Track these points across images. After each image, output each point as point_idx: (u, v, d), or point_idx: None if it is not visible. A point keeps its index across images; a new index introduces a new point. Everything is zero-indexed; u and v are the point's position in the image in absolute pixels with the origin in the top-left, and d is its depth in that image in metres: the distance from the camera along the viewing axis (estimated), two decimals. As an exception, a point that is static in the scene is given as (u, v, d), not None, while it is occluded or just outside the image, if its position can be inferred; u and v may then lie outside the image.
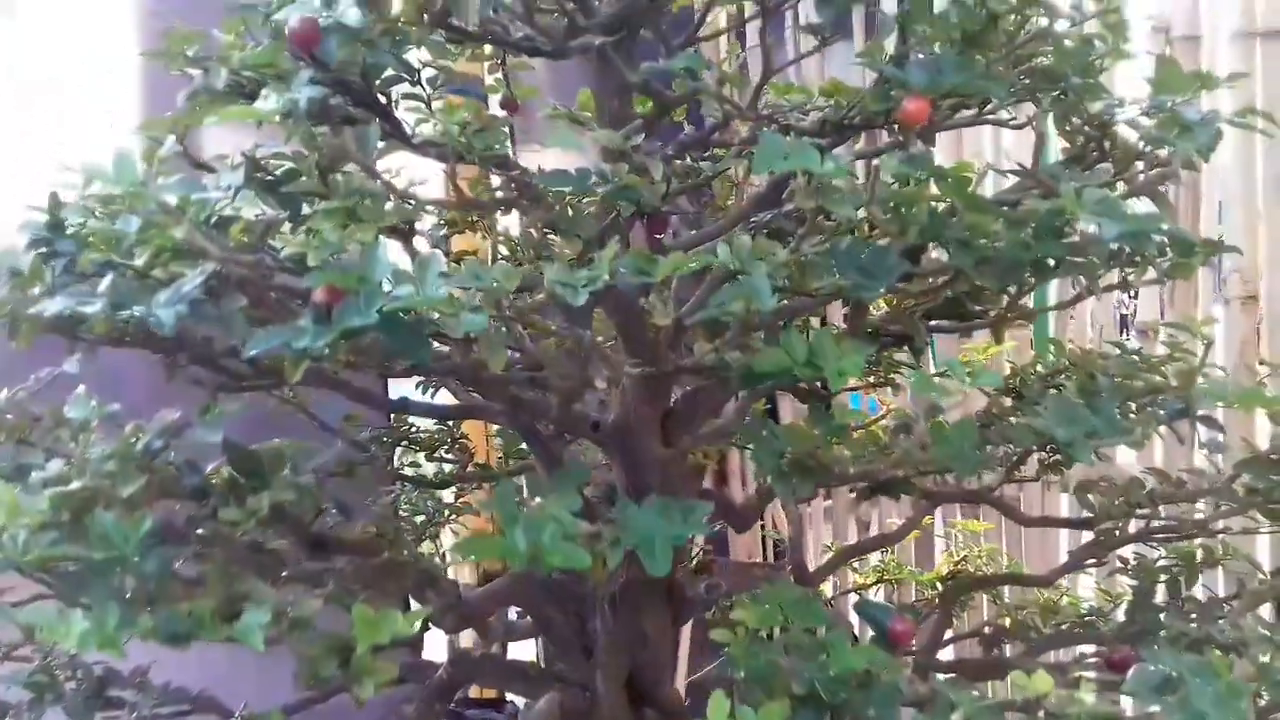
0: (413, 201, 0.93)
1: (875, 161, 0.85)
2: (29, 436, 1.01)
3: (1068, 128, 1.06)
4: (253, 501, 0.86)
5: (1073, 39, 0.99)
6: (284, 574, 0.91)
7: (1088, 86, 0.99)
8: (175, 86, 1.03)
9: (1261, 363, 1.58)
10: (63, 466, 0.91)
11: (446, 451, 1.53)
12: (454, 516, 1.61)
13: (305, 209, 0.98)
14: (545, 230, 1.04)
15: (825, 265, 0.89)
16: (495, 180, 1.03)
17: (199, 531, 0.89)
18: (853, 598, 2.15)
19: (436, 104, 1.02)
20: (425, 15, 0.87)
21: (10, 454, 0.97)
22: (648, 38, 1.00)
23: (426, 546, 1.58)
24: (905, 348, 1.06)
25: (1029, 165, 0.95)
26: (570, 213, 0.95)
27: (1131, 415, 0.94)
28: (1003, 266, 0.86)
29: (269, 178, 0.99)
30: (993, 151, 2.28)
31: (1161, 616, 1.04)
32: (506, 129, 1.01)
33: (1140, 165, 1.02)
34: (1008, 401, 1.24)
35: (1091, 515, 1.10)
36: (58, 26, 1.78)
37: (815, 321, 1.26)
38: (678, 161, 1.03)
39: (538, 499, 0.84)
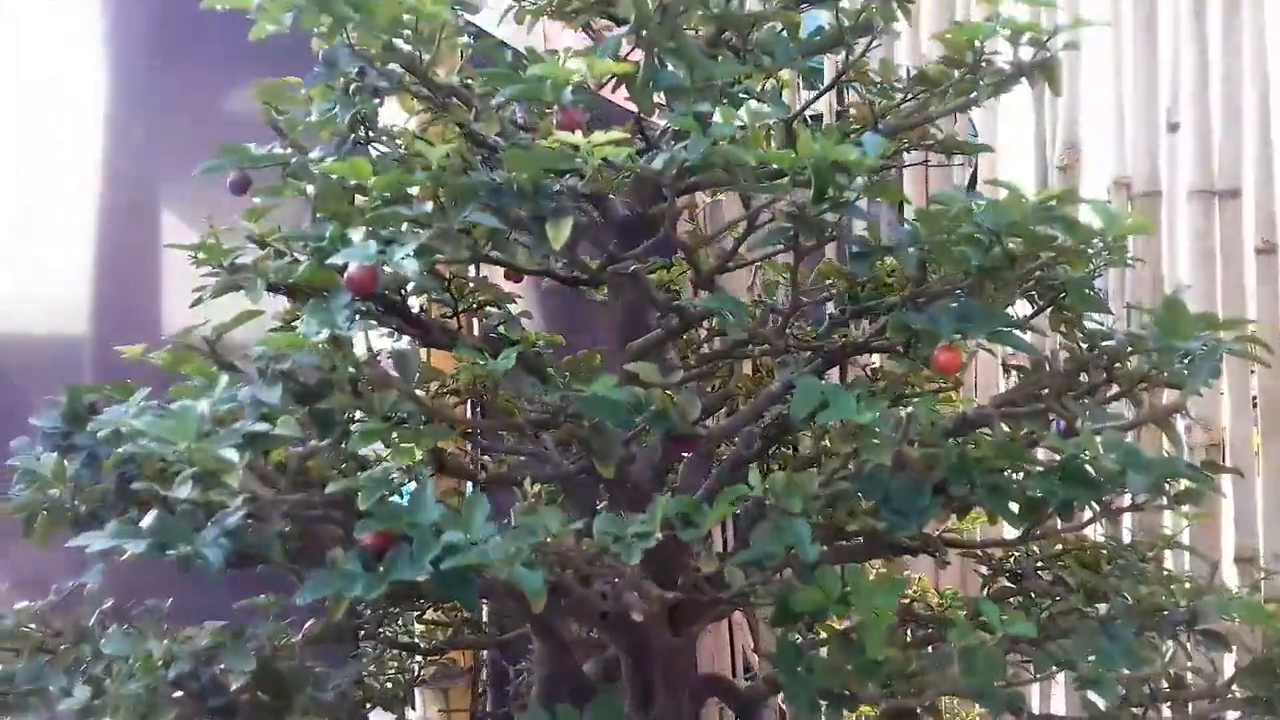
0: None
1: (907, 410, 0.88)
2: (50, 646, 0.99)
3: (1062, 331, 1.12)
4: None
5: (1075, 263, 1.03)
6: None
7: (1087, 299, 1.04)
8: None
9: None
10: (89, 697, 0.89)
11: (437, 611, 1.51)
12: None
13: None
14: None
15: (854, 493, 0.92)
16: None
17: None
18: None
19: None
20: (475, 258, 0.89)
21: (31, 672, 0.95)
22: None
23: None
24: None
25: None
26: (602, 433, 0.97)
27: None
28: (1028, 506, 0.89)
29: (301, 387, 1.00)
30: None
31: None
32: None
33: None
34: (1006, 582, 1.28)
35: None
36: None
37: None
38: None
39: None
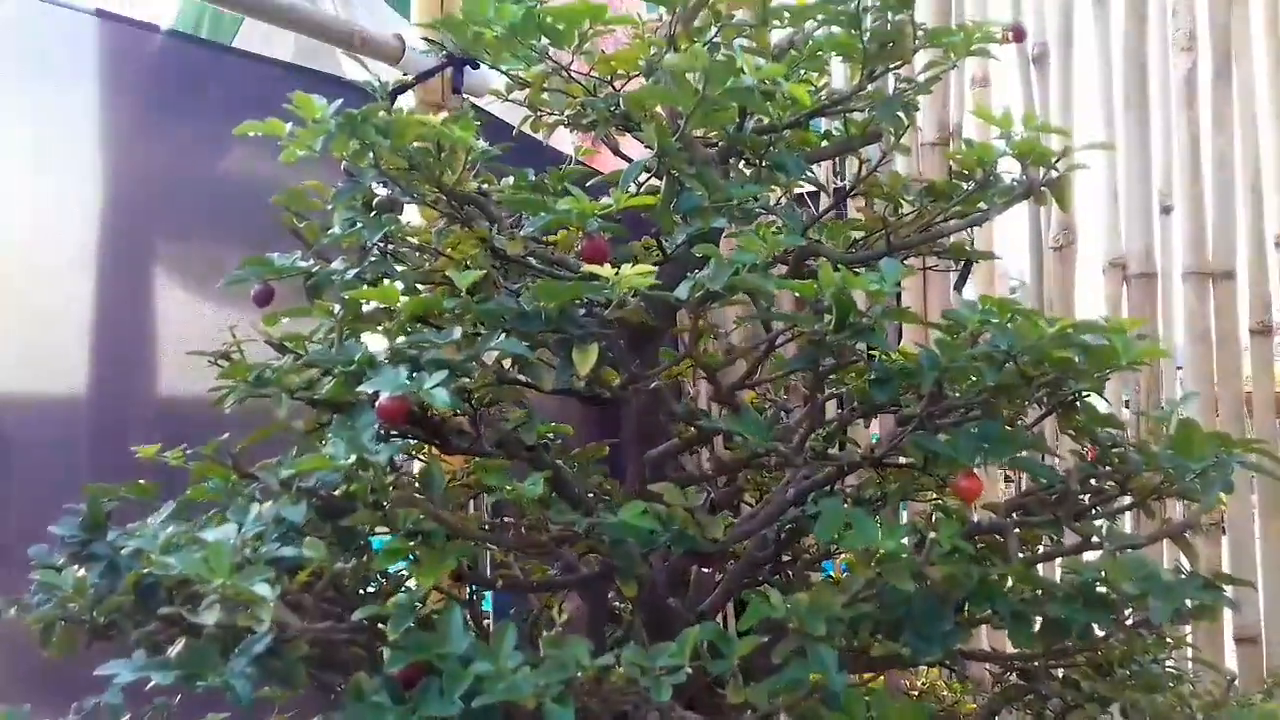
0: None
1: (931, 536, 0.90)
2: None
3: (1072, 434, 1.14)
4: None
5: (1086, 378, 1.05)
6: None
7: (1099, 417, 1.06)
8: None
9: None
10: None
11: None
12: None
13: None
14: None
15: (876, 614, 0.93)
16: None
17: None
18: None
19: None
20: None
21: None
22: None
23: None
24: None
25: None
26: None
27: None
28: (1048, 626, 0.90)
29: (324, 502, 1.01)
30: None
31: None
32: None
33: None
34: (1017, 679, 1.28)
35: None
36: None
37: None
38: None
39: None
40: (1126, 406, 2.11)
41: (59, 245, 1.78)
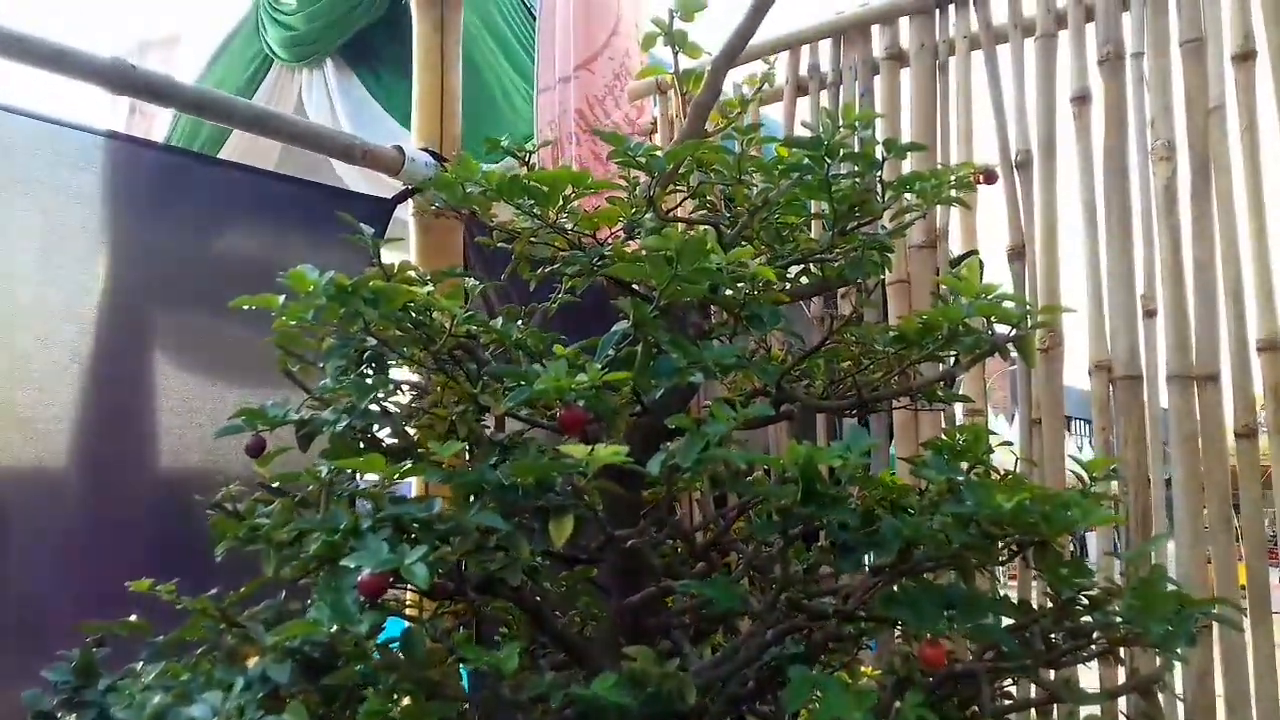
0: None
1: (896, 705, 0.92)
2: None
3: (1040, 571, 1.16)
4: None
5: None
6: None
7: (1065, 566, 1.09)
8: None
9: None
10: None
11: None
12: None
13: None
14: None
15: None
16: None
17: None
18: None
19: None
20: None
21: None
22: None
23: None
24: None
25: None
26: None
27: None
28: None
29: (307, 659, 1.04)
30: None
31: None
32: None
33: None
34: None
35: None
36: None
37: None
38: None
39: None
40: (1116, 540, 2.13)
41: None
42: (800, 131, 2.61)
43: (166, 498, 1.99)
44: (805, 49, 2.70)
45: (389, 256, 1.25)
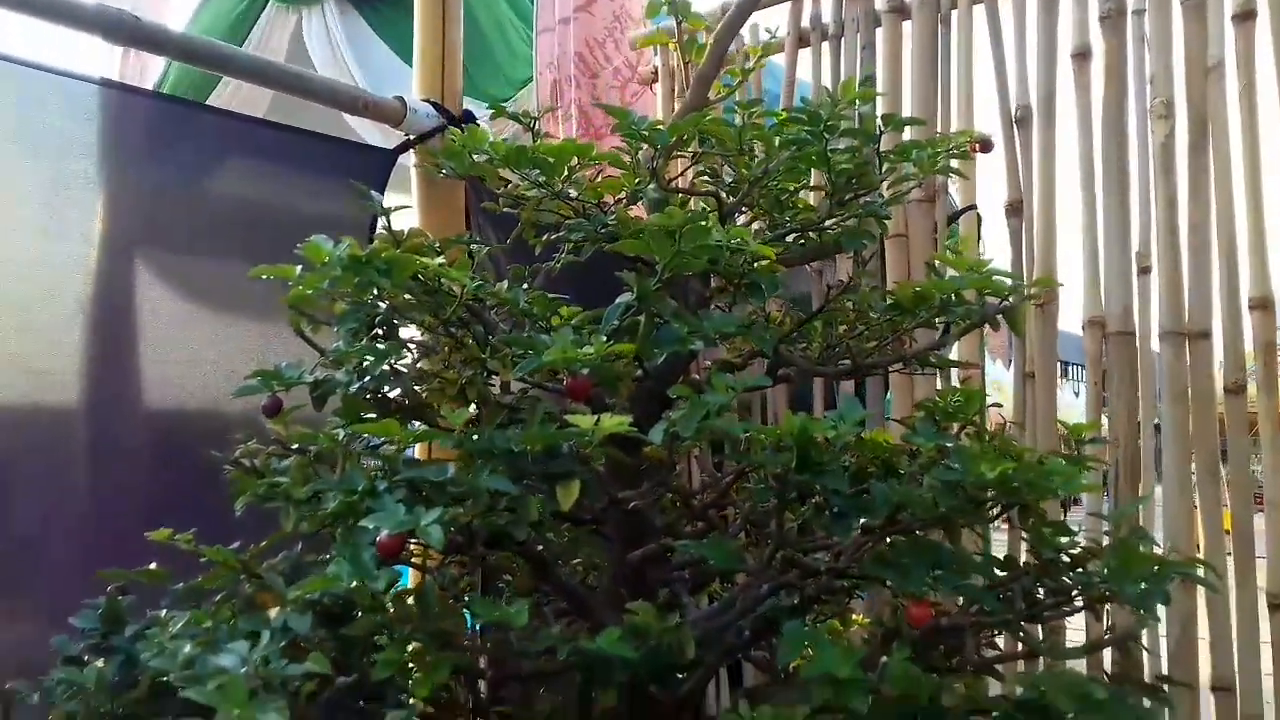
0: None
1: (884, 660, 0.98)
2: None
3: (1025, 535, 1.22)
4: None
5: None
6: None
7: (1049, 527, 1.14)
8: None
9: None
10: None
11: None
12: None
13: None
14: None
15: None
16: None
17: None
18: None
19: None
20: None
21: None
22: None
23: None
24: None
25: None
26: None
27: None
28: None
29: (326, 610, 1.10)
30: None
31: None
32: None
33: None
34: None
35: None
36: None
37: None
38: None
39: None
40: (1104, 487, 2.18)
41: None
42: (801, 91, 2.63)
43: (172, 441, 2.04)
44: (808, 0, 2.69)
45: (391, 204, 1.28)
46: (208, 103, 3.73)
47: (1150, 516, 2.15)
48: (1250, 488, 2.18)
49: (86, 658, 1.23)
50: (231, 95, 3.90)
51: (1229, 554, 2.21)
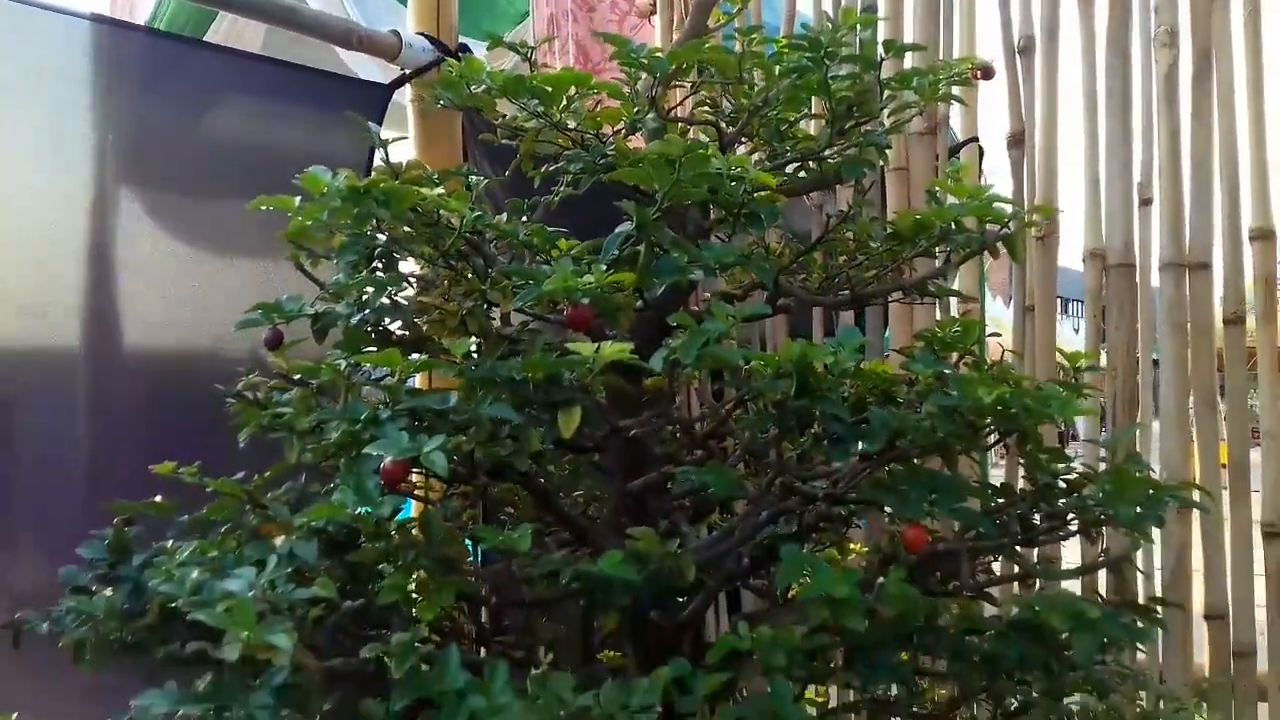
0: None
1: (880, 580, 0.99)
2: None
3: (1021, 461, 1.23)
4: None
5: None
6: None
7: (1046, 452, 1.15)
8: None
9: None
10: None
11: None
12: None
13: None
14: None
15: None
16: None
17: None
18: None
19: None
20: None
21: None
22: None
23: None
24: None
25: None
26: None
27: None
28: (986, 660, 1.00)
29: (331, 538, 1.11)
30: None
31: None
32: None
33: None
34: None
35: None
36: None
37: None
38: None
39: None
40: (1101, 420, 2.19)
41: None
42: (802, 19, 2.59)
43: (176, 377, 2.05)
44: (810, -73, 2.65)
45: (387, 136, 1.28)
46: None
47: (1147, 450, 2.17)
48: (1248, 421, 2.20)
49: (94, 587, 1.25)
50: (224, 35, 3.85)
51: (1225, 488, 2.23)
